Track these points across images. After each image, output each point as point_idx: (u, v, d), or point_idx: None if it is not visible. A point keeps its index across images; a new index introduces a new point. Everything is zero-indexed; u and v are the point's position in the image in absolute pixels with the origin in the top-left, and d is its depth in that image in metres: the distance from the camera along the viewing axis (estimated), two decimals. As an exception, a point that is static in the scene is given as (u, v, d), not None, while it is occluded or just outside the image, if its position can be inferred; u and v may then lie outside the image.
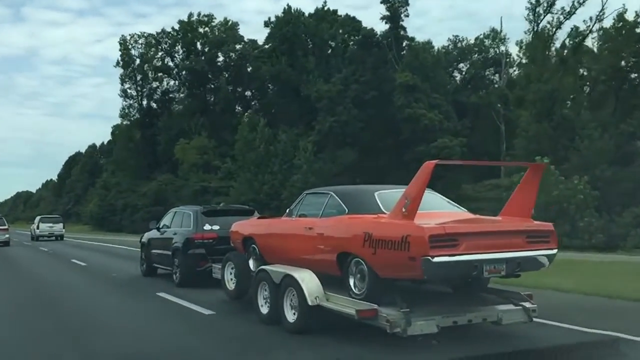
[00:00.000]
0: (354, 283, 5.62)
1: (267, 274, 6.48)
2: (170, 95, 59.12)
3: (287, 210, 6.90)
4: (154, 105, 59.15)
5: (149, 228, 12.56)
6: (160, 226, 11.78)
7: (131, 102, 58.88)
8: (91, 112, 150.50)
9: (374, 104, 35.67)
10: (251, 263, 7.50)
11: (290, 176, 36.28)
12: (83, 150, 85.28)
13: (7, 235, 26.45)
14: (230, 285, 7.53)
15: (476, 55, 43.53)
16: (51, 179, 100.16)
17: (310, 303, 5.68)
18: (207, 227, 10.14)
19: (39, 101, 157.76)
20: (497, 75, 42.38)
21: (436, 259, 4.72)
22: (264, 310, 6.52)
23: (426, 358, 4.90)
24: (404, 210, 5.08)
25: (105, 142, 76.53)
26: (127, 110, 59.56)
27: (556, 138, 25.13)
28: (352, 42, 45.09)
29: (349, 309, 5.28)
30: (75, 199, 75.72)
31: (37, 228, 32.93)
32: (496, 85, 41.09)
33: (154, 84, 58.76)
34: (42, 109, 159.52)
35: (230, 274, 7.56)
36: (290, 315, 5.99)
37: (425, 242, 4.74)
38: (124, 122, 60.67)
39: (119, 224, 51.48)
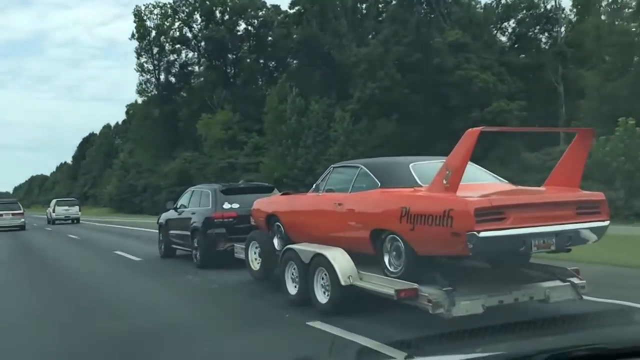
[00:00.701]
0: (389, 261, 5.58)
1: (294, 253, 6.48)
2: (189, 69, 57.73)
3: (314, 186, 6.86)
4: (173, 79, 57.84)
5: (166, 208, 12.78)
6: (178, 206, 11.93)
7: (148, 76, 57.57)
8: (102, 95, 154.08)
9: (418, 67, 33.35)
10: (275, 242, 7.54)
11: (326, 149, 34.87)
12: (97, 132, 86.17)
13: (22, 220, 27.13)
14: (255, 265, 7.58)
15: (524, 12, 41.49)
16: (65, 162, 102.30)
17: (343, 283, 5.66)
18: (226, 205, 10.23)
19: (50, 84, 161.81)
20: (546, 33, 40.04)
21: (482, 234, 4.61)
22: (292, 290, 6.53)
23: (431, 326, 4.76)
24: (444, 182, 4.98)
25: (120, 122, 77.13)
26: (144, 86, 57.90)
27: (634, 97, 22.64)
28: (382, 4, 43.36)
29: (387, 288, 5.23)
30: (92, 181, 76.22)
31: (54, 211, 33.88)
32: (544, 46, 38.97)
33: (172, 57, 57.50)
34: (53, 92, 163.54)
35: (255, 253, 7.60)
36: (322, 296, 5.99)
37: (470, 216, 4.64)
38: (142, 99, 59.41)
39: (139, 205, 51.04)
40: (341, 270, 5.75)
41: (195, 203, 11.07)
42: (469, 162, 5.96)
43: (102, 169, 72.54)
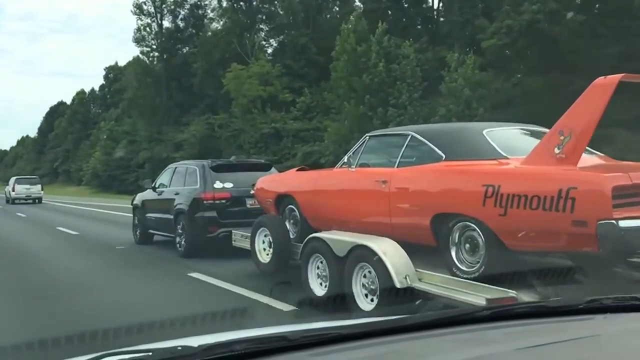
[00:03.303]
0: (460, 256, 4.14)
1: (323, 244, 4.93)
2: (202, 11, 44.09)
3: (346, 159, 5.29)
4: (181, 24, 44.20)
5: (143, 188, 11.07)
6: (156, 185, 10.20)
7: (148, 20, 43.83)
8: (61, 70, 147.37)
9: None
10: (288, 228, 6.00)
11: (422, 109, 24.50)
12: (63, 103, 74.80)
13: None
14: (264, 256, 5.98)
15: None
16: (27, 135, 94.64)
17: (398, 285, 4.16)
18: (217, 185, 8.60)
19: (6, 59, 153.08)
20: None
21: (623, 224, 3.18)
22: (319, 291, 5.00)
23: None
24: (557, 151, 3.51)
25: (96, 89, 66.07)
26: (142, 32, 43.82)
27: None
28: None
29: (471, 296, 3.74)
30: (65, 155, 63.21)
31: (13, 190, 31.06)
32: None
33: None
34: (9, 66, 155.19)
35: (264, 242, 5.99)
36: (364, 301, 4.47)
37: (606, 197, 3.20)
38: (144, 49, 44.78)
39: (134, 184, 39.16)
40: (395, 267, 4.23)
41: (179, 182, 9.36)
42: (528, 126, 4.73)
43: (77, 141, 60.43)
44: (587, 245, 3.37)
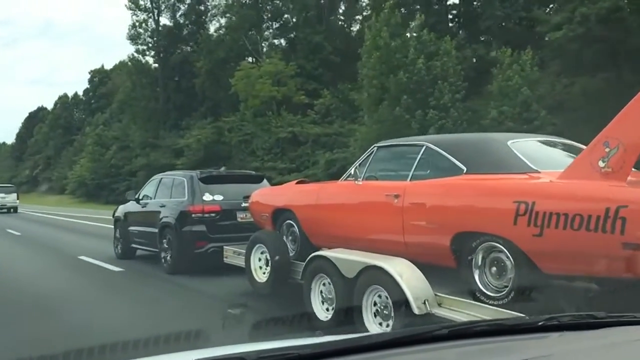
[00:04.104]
0: (484, 280, 3.75)
1: (329, 264, 4.49)
2: (202, 7, 40.22)
3: (353, 170, 4.87)
4: (182, 20, 40.64)
5: (126, 199, 10.54)
6: (140, 197, 9.69)
7: (144, 16, 40.29)
8: (39, 77, 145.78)
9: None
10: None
11: (466, 112, 21.54)
12: (42, 108, 71.60)
13: None
14: (260, 276, 5.51)
15: None
16: (3, 142, 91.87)
17: (417, 311, 3.73)
18: (207, 197, 8.13)
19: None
20: None
21: None
22: (323, 315, 4.56)
23: None
24: (601, 164, 3.14)
25: (80, 93, 63.30)
26: (138, 29, 40.04)
27: None
28: None
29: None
30: (45, 162, 60.39)
31: None
32: None
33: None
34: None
35: (260, 260, 5.52)
36: (376, 329, 4.03)
37: None
38: (139, 47, 40.91)
39: (123, 194, 33.96)
40: (412, 291, 3.81)
41: (165, 194, 8.87)
42: (551, 140, 4.42)
43: (59, 148, 57.49)
44: (636, 271, 2.99)
